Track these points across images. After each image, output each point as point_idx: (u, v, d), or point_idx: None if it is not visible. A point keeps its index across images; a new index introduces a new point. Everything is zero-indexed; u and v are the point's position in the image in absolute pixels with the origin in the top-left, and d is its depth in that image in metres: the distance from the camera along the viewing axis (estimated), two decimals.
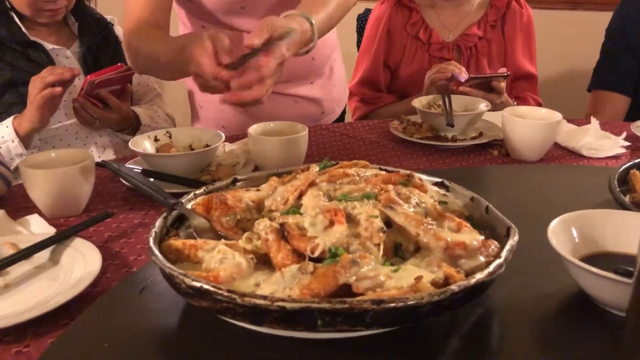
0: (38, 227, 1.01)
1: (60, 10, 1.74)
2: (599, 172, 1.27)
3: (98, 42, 1.84)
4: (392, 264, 0.71)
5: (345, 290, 0.65)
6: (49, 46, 1.72)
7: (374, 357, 0.68)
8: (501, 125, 1.46)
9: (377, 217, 0.75)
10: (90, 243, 0.92)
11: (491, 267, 0.68)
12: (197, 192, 0.92)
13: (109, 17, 1.92)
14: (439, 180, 0.95)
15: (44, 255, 0.90)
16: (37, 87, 1.52)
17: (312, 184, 0.89)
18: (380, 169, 0.96)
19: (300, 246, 0.71)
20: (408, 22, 2.00)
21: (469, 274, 0.69)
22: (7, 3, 1.69)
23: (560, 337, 0.73)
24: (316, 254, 0.70)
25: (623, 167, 1.11)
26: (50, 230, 1.00)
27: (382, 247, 0.71)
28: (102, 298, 0.81)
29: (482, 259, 0.72)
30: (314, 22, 1.19)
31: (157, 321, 0.75)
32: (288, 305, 0.60)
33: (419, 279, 0.65)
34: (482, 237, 0.75)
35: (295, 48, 1.13)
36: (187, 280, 0.65)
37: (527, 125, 1.38)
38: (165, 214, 0.85)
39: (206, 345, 0.70)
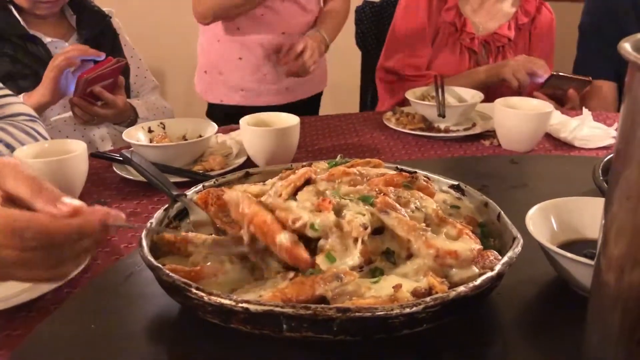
0: None
1: (58, 2, 1.75)
2: (588, 162, 1.28)
3: (96, 35, 1.85)
4: (381, 270, 0.70)
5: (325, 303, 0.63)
6: (47, 39, 1.73)
7: None
8: (493, 116, 1.47)
9: (363, 215, 0.73)
10: None
11: (478, 281, 0.64)
12: (207, 184, 0.93)
13: (106, 9, 1.93)
14: (455, 183, 0.93)
15: None
16: (57, 59, 1.56)
17: (311, 181, 0.86)
18: (397, 169, 0.93)
19: (281, 216, 0.71)
20: (444, 7, 1.96)
21: (457, 285, 0.65)
22: None
23: (538, 321, 0.75)
24: (297, 225, 0.70)
25: (609, 157, 1.13)
26: None
27: (359, 243, 0.70)
28: (91, 283, 0.83)
29: (476, 270, 0.69)
30: (326, 36, 2.00)
31: (143, 306, 0.78)
32: (252, 307, 0.60)
33: (397, 287, 0.64)
34: (479, 247, 0.72)
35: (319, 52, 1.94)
36: (161, 274, 0.66)
37: (518, 115, 1.39)
38: (167, 205, 0.87)
39: (190, 329, 0.72)
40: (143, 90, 2.00)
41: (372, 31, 2.49)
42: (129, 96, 1.84)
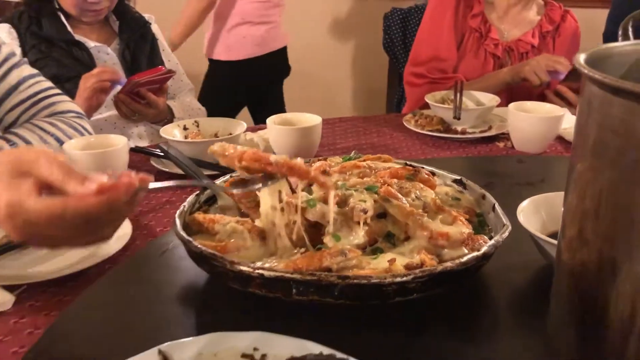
0: None
1: (103, 11, 1.89)
2: None
3: (136, 40, 1.98)
4: (381, 250, 0.80)
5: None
6: (90, 44, 1.87)
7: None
8: (507, 119, 1.55)
9: (365, 201, 0.82)
10: None
11: (465, 258, 0.74)
12: (234, 174, 1.01)
13: (147, 16, 2.06)
14: (458, 177, 1.01)
15: None
16: (89, 81, 1.68)
17: (325, 174, 0.96)
18: (406, 164, 1.02)
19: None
20: (470, 13, 2.03)
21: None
22: (56, 4, 1.84)
23: (525, 301, 0.84)
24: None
25: None
26: None
27: (361, 224, 0.79)
28: (130, 258, 0.95)
29: (465, 251, 0.78)
30: None
31: (175, 276, 0.89)
32: (266, 273, 0.70)
33: (392, 261, 0.73)
34: (469, 231, 0.80)
35: None
36: (192, 246, 0.77)
37: (530, 119, 1.47)
38: (198, 192, 0.97)
39: (215, 295, 0.83)
40: (179, 92, 2.12)
41: (399, 37, 2.58)
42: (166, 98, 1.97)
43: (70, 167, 0.67)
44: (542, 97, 1.85)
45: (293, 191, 0.83)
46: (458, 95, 1.70)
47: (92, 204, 0.64)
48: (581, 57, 0.55)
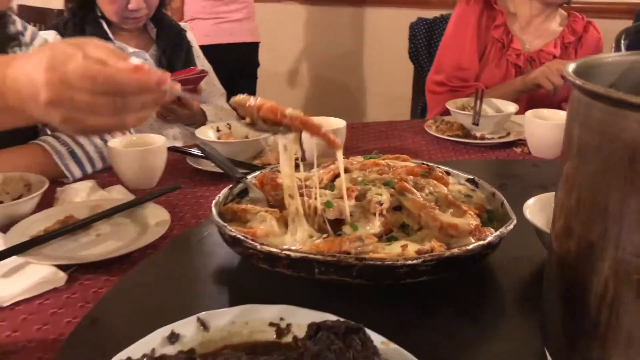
0: (121, 195, 1.26)
1: (142, 18, 2.00)
2: None
3: (172, 46, 2.10)
4: (395, 239, 0.88)
5: None
6: (129, 50, 1.99)
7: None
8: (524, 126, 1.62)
9: (381, 195, 0.91)
10: (162, 207, 1.15)
11: (470, 246, 0.82)
12: (264, 170, 1.11)
13: (182, 24, 2.18)
14: (471, 177, 1.09)
15: (127, 213, 1.14)
16: None
17: (347, 170, 1.06)
18: (423, 164, 1.10)
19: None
20: (493, 24, 2.10)
21: None
22: (99, 12, 1.97)
23: (529, 290, 0.91)
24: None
25: None
26: (131, 197, 1.24)
27: (377, 215, 0.88)
28: (169, 244, 1.05)
29: (473, 240, 0.85)
30: None
31: (210, 259, 0.99)
32: (292, 254, 0.79)
33: (404, 246, 0.82)
34: (477, 223, 0.88)
35: None
36: (227, 230, 0.87)
37: (545, 125, 1.54)
38: (231, 185, 1.07)
39: (246, 275, 0.93)
40: (211, 96, 2.23)
41: (424, 46, 2.65)
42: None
43: (116, 51, 0.75)
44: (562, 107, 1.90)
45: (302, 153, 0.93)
46: (478, 102, 1.77)
47: (125, 76, 0.71)
48: (570, 66, 0.63)
